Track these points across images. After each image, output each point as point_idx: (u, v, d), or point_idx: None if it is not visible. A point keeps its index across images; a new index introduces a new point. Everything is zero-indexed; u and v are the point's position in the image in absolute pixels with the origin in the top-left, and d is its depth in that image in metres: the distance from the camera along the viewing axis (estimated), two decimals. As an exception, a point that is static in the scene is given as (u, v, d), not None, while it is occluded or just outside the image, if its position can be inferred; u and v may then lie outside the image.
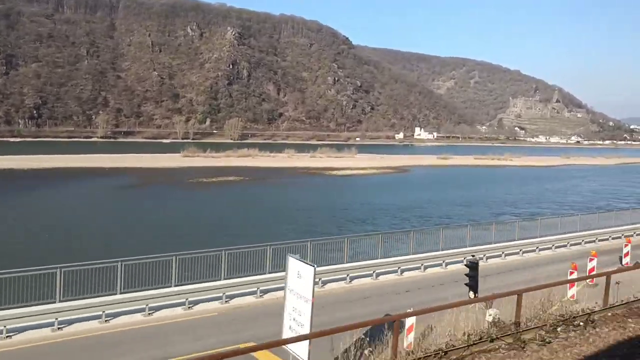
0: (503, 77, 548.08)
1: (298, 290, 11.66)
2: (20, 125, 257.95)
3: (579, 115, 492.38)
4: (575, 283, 20.05)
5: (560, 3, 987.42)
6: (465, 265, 12.01)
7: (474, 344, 8.95)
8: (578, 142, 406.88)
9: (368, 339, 12.14)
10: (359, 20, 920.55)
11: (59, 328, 17.55)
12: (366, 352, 11.67)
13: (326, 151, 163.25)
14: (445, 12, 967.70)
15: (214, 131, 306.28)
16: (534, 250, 32.17)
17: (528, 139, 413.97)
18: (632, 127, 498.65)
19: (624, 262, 26.83)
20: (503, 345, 9.11)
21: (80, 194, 61.64)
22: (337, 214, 50.81)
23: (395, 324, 9.45)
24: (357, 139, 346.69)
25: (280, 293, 19.50)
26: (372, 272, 25.21)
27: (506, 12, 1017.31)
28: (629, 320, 10.87)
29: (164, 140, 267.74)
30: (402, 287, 23.40)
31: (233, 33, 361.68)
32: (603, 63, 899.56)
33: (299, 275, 11.65)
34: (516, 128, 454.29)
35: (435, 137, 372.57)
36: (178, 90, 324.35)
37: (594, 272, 22.35)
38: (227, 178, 77.96)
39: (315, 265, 12.01)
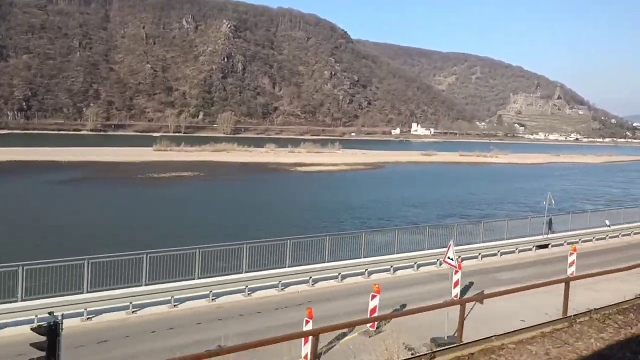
0: (505, 73, 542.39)
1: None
2: (9, 118, 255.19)
3: (580, 112, 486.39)
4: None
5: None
6: (34, 330, 8.28)
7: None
8: (577, 139, 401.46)
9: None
10: (360, 15, 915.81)
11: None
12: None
13: (310, 146, 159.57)
14: (448, 7, 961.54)
15: (207, 125, 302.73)
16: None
17: (526, 136, 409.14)
18: (634, 124, 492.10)
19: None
20: None
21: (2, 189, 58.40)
22: (256, 214, 47.20)
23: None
24: (353, 134, 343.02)
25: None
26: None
27: (509, 8, 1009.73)
28: None
29: (154, 134, 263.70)
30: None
31: (229, 26, 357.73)
32: (606, 60, 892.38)
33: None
34: (515, 125, 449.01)
35: (432, 133, 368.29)
36: (171, 83, 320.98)
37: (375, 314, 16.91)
38: (181, 174, 74.64)
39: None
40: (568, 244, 32.74)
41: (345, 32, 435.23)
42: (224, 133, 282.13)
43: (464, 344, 9.90)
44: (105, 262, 18.59)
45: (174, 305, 19.56)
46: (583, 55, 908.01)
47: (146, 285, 19.42)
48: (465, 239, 28.80)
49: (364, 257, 25.25)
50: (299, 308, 18.06)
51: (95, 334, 16.27)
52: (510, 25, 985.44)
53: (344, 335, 15.96)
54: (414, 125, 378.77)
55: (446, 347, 9.93)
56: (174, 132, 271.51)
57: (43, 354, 8.42)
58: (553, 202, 32.00)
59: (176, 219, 44.05)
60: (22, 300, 17.13)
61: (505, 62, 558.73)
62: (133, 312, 18.65)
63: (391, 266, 25.73)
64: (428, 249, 27.21)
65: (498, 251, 30.19)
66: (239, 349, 8.76)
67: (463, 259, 25.58)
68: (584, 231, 35.64)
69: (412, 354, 11.03)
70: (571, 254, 24.27)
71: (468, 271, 23.86)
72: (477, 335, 10.21)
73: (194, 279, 20.53)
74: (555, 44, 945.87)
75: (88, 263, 18.11)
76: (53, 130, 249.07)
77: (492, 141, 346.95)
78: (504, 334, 10.36)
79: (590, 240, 35.56)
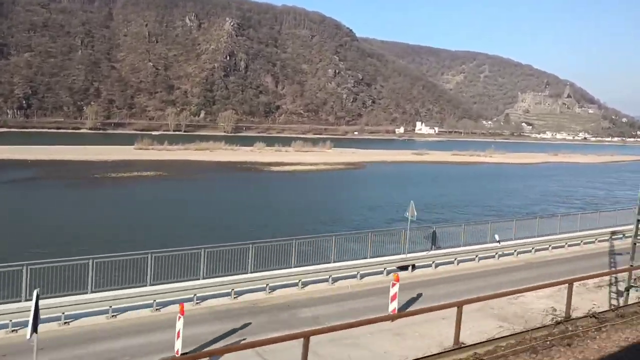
0: (514, 71, 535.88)
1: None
2: (9, 116, 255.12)
3: (590, 111, 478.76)
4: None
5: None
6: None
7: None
8: (585, 138, 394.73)
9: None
10: (368, 13, 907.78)
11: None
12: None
13: (300, 145, 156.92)
14: (457, 5, 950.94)
15: (208, 124, 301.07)
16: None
17: (533, 135, 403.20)
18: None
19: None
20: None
21: None
22: (180, 215, 44.55)
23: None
24: (356, 133, 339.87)
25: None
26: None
27: (520, 6, 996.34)
28: None
29: (154, 132, 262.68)
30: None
31: (232, 24, 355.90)
32: (619, 58, 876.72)
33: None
34: (523, 124, 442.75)
35: (436, 132, 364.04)
36: (173, 81, 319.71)
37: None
38: (143, 173, 72.35)
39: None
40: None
41: (351, 30, 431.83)
42: (224, 132, 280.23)
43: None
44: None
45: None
46: (595, 53, 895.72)
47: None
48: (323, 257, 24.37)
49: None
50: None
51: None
52: (520, 23, 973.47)
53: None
54: (418, 124, 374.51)
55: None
56: (174, 131, 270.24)
57: None
58: (415, 213, 24.81)
59: (91, 221, 41.54)
60: None
61: (515, 60, 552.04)
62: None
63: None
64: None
65: (329, 276, 23.21)
66: None
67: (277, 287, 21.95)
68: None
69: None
70: (393, 284, 18.70)
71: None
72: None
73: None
74: (566, 42, 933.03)
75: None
76: (52, 128, 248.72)
77: (497, 140, 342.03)
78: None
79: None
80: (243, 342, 10.77)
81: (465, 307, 13.69)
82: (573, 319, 14.72)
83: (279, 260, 22.40)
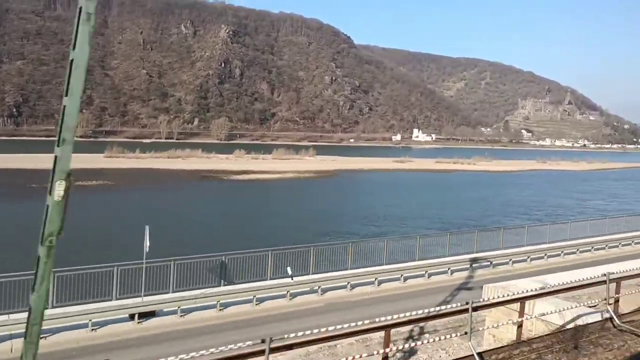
0: (515, 78, 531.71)
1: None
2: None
3: (591, 117, 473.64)
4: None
5: (578, 2, 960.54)
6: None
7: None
8: (585, 145, 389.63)
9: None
10: (370, 21, 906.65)
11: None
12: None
13: (281, 153, 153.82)
14: (459, 12, 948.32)
15: (201, 131, 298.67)
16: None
17: (532, 142, 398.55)
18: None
19: None
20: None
21: None
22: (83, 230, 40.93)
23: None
24: (351, 140, 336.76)
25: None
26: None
27: (521, 12, 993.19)
28: None
29: (145, 140, 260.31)
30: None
31: (227, 31, 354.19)
32: (622, 64, 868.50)
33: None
34: (523, 131, 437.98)
35: (433, 139, 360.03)
36: (167, 89, 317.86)
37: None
38: (85, 183, 69.01)
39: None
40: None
41: (349, 37, 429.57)
42: (217, 139, 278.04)
43: None
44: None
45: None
46: (598, 60, 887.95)
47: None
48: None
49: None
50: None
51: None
52: (522, 30, 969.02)
53: None
54: (415, 131, 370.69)
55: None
56: (166, 139, 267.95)
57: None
58: (148, 244, 18.35)
59: None
60: None
61: (517, 67, 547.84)
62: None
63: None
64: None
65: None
66: None
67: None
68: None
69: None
70: None
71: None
72: None
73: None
74: (568, 49, 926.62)
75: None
76: (42, 136, 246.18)
77: (494, 147, 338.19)
78: None
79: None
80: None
81: None
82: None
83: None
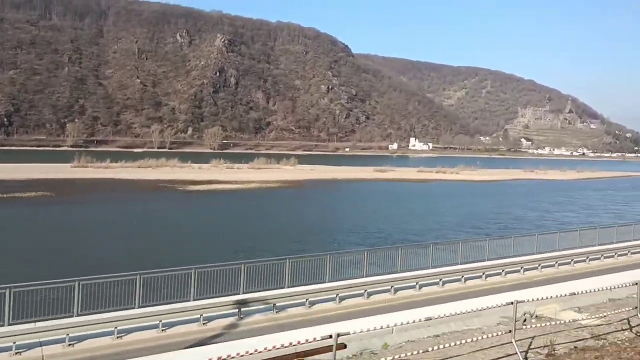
0: (516, 86, 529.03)
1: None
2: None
3: (592, 126, 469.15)
4: None
5: (579, 10, 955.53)
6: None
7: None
8: (584, 154, 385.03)
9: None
10: (370, 30, 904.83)
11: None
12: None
13: (261, 162, 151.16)
14: (459, 21, 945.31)
15: (195, 140, 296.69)
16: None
17: (530, 151, 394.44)
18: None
19: None
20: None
21: None
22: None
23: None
24: (347, 149, 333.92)
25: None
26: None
27: (522, 21, 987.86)
28: None
29: (136, 150, 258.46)
30: None
31: (222, 40, 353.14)
32: (624, 72, 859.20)
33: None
34: (522, 139, 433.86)
35: (430, 147, 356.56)
36: (161, 98, 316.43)
37: None
38: (23, 194, 66.44)
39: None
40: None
41: (346, 45, 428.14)
42: (211, 148, 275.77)
43: None
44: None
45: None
46: (600, 68, 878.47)
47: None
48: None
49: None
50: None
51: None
52: (523, 38, 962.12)
53: None
54: (412, 140, 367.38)
55: None
56: (158, 148, 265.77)
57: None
58: None
59: None
60: None
61: (517, 75, 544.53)
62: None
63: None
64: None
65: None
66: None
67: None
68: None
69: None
70: None
71: None
72: None
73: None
74: (570, 57, 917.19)
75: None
76: (33, 146, 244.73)
77: (492, 156, 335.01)
78: None
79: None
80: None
81: None
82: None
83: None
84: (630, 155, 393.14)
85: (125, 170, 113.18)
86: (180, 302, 18.59)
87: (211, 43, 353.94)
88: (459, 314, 16.35)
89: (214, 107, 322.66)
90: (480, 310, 16.90)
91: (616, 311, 18.13)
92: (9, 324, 16.06)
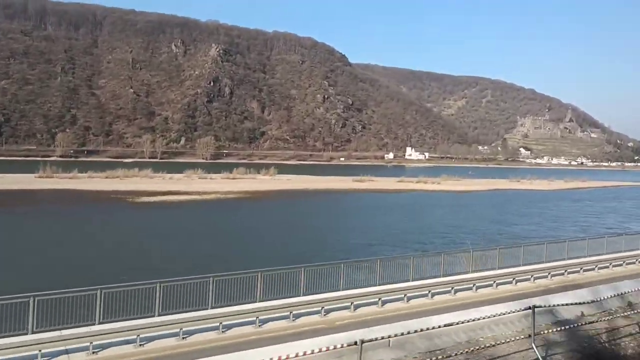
0: (516, 96, 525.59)
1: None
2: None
3: (593, 135, 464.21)
4: None
5: (581, 18, 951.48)
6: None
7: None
8: (582, 163, 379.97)
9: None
10: (370, 40, 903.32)
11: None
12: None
13: (240, 172, 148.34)
14: (460, 30, 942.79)
15: (187, 150, 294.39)
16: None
17: (527, 160, 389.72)
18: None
19: None
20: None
21: None
22: None
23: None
24: (342, 159, 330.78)
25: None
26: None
27: (523, 30, 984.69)
28: None
29: (125, 160, 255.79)
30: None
31: (217, 49, 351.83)
32: (626, 81, 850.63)
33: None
34: (521, 148, 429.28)
35: (426, 157, 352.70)
36: (154, 108, 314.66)
37: None
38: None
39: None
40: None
41: (344, 55, 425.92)
42: (203, 158, 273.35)
43: None
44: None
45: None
46: (602, 77, 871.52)
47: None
48: None
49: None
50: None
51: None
52: (523, 47, 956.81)
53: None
54: (408, 149, 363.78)
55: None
56: (150, 158, 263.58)
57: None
58: None
59: None
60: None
61: (518, 85, 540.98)
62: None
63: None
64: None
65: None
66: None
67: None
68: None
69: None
70: None
71: None
72: None
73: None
74: (570, 66, 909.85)
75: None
76: (22, 156, 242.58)
77: (488, 166, 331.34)
78: None
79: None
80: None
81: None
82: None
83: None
84: (629, 164, 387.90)
85: (91, 181, 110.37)
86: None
87: (206, 53, 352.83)
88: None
89: (207, 117, 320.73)
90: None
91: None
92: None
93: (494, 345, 14.76)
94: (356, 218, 72.89)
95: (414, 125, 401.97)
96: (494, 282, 26.83)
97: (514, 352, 14.85)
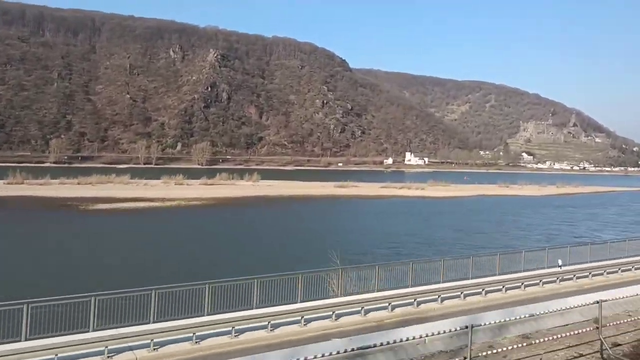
0: (520, 100, 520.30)
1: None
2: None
3: (597, 140, 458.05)
4: None
5: (586, 23, 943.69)
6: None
7: None
8: (585, 168, 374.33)
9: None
10: (373, 45, 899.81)
11: (304, 324, 19.96)
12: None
13: (224, 178, 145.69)
14: (463, 35, 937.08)
15: (182, 156, 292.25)
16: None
17: (529, 165, 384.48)
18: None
19: None
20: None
21: None
22: None
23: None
24: (340, 164, 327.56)
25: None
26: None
27: (526, 34, 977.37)
28: None
29: (119, 166, 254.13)
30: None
31: (215, 55, 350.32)
32: (631, 85, 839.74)
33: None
34: (523, 153, 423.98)
35: (426, 162, 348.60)
36: (150, 113, 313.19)
37: None
38: None
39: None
40: None
41: (344, 60, 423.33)
42: (199, 164, 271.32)
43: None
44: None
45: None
46: (606, 82, 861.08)
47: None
48: None
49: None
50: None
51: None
52: (527, 52, 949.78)
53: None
54: (407, 154, 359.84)
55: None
56: (145, 164, 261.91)
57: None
58: None
59: None
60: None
61: (522, 89, 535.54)
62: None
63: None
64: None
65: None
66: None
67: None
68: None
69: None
70: None
71: None
72: None
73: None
74: (575, 70, 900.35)
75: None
76: (15, 162, 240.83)
77: (489, 171, 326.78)
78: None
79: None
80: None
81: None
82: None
83: None
84: (632, 169, 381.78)
85: (61, 187, 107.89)
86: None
87: (204, 58, 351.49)
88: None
89: (204, 122, 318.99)
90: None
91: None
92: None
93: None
94: (304, 224, 69.82)
95: (415, 130, 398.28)
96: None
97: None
